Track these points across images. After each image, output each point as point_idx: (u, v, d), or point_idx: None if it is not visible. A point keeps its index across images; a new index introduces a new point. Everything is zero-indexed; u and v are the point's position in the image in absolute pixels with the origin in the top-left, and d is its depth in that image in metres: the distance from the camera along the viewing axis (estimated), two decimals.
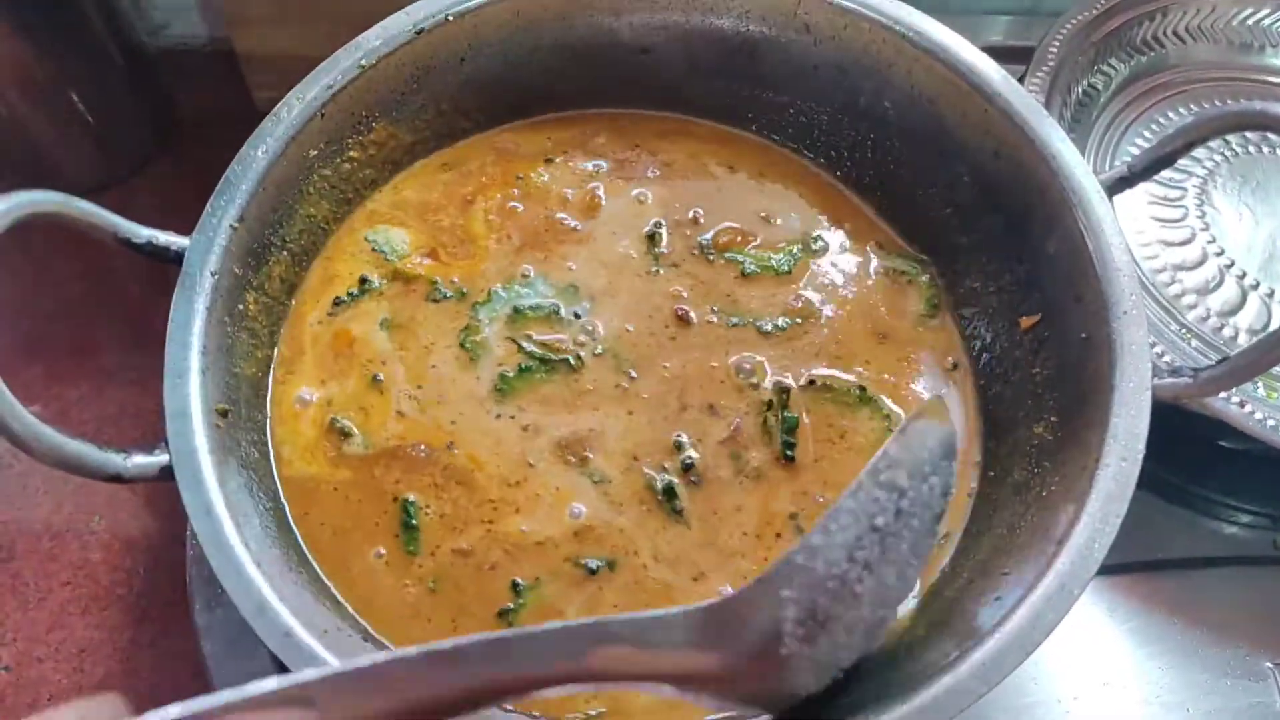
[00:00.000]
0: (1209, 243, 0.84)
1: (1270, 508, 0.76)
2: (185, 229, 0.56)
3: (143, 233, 0.53)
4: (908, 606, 0.56)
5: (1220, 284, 0.81)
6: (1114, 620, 0.70)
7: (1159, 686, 0.68)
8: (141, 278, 0.85)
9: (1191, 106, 0.93)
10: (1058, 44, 0.86)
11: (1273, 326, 0.78)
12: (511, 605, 0.55)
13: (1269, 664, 0.69)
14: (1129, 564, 0.72)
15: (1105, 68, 0.91)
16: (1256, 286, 0.81)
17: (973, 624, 0.49)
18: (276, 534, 0.54)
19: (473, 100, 0.69)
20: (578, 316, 0.64)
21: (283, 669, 0.46)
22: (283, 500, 0.57)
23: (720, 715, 0.52)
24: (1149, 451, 0.50)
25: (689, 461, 0.59)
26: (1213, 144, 0.88)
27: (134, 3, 0.92)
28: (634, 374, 0.62)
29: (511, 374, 0.61)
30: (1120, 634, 0.70)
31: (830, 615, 0.43)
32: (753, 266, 0.67)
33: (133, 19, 0.90)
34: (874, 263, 0.68)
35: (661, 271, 0.67)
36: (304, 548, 0.56)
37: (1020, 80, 0.83)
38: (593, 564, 0.56)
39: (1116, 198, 0.60)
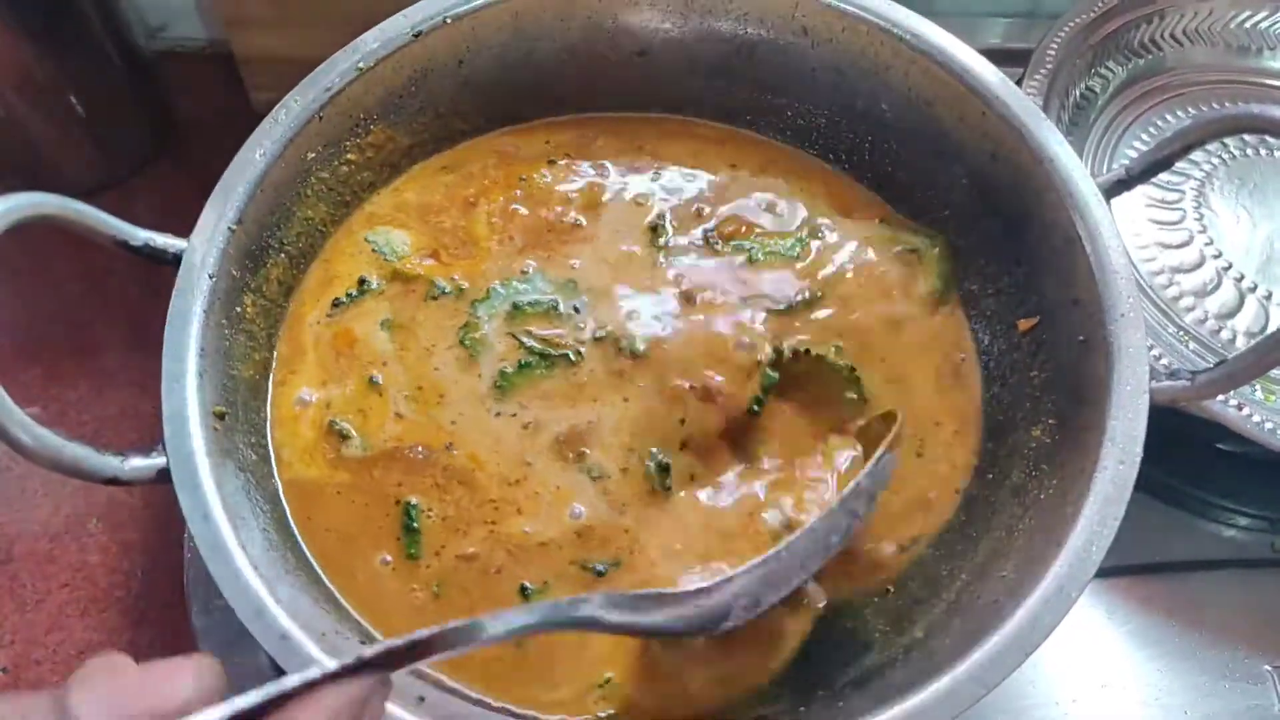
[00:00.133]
0: (1207, 245, 0.84)
1: (1268, 510, 0.76)
2: (184, 231, 0.56)
3: (140, 235, 0.53)
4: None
5: (1218, 286, 0.81)
6: (1112, 623, 0.70)
7: (1157, 689, 0.68)
8: (141, 279, 0.85)
9: (1189, 109, 0.93)
10: (1055, 47, 0.86)
11: (1270, 329, 0.78)
12: None
13: (1268, 667, 0.69)
14: (1127, 566, 0.72)
15: (1103, 70, 0.91)
16: (1254, 289, 0.81)
17: (971, 626, 0.49)
18: (275, 536, 0.53)
19: (471, 103, 0.69)
20: (577, 310, 0.63)
21: (280, 672, 0.46)
22: (283, 503, 0.57)
23: None
24: (1147, 454, 0.50)
25: (685, 441, 0.59)
26: (1210, 147, 0.88)
27: (133, 5, 0.92)
28: (634, 353, 0.61)
29: (511, 370, 0.61)
30: (1119, 636, 0.70)
31: (767, 600, 0.51)
32: (760, 254, 0.66)
33: (131, 21, 0.90)
34: (882, 243, 0.67)
35: (666, 261, 0.66)
36: (308, 553, 0.56)
37: (1018, 83, 0.83)
38: (600, 566, 0.56)
39: (1114, 200, 0.60)
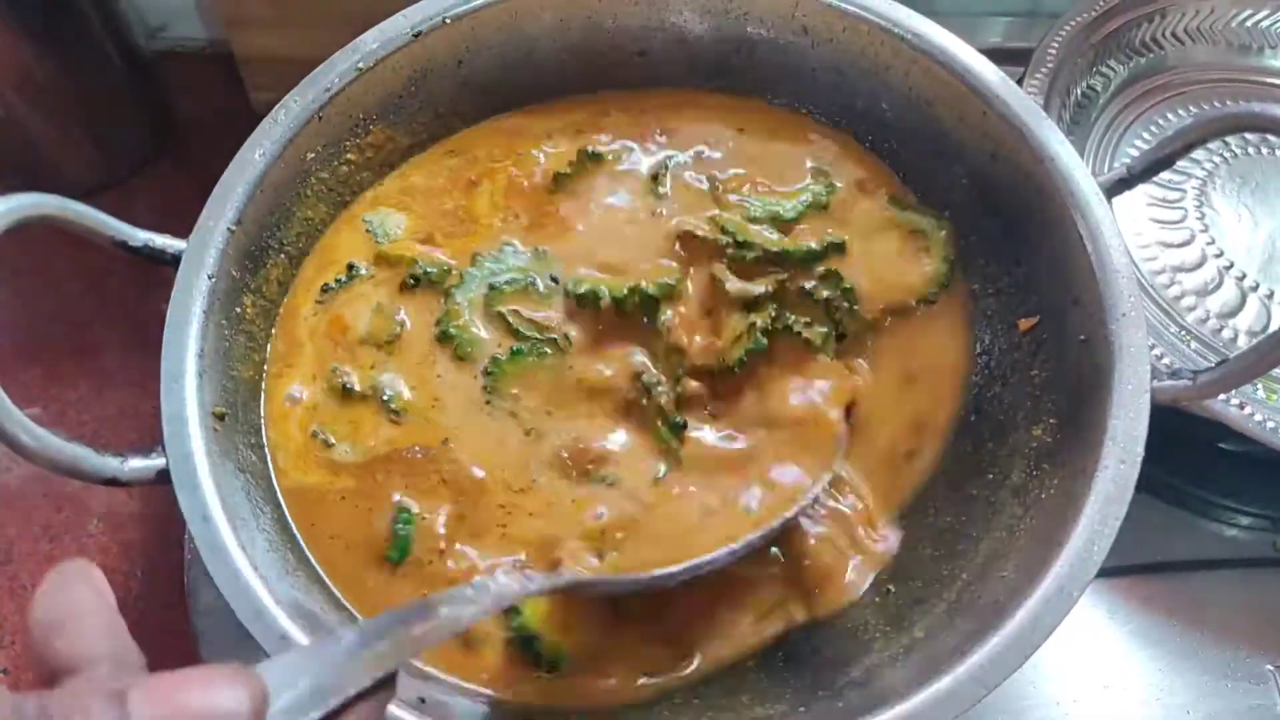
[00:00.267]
0: (1208, 244, 0.83)
1: (1270, 510, 0.76)
2: (184, 231, 0.56)
3: (139, 235, 0.53)
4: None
5: (1219, 286, 0.81)
6: (1114, 623, 0.70)
7: (1159, 689, 0.68)
8: (141, 280, 0.85)
9: (1190, 108, 0.92)
10: (1056, 46, 0.86)
11: (1272, 328, 0.78)
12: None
13: (1269, 666, 0.69)
14: (1128, 566, 0.72)
15: (1104, 69, 0.91)
16: (1256, 288, 0.81)
17: (972, 627, 0.49)
18: (275, 537, 0.53)
19: (470, 103, 0.69)
20: (554, 282, 0.63)
21: None
22: (283, 506, 0.57)
23: None
24: (1148, 454, 0.50)
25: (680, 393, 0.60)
26: (1212, 145, 0.88)
27: (132, 5, 0.92)
28: (618, 302, 0.61)
29: (504, 358, 0.60)
30: (1120, 636, 0.70)
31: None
32: (760, 211, 0.66)
33: (131, 21, 0.90)
34: (888, 223, 0.67)
35: (665, 211, 0.66)
36: (313, 559, 0.55)
37: (1019, 82, 0.83)
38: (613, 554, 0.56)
39: (1115, 199, 0.60)
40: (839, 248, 0.64)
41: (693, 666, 0.55)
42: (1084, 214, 0.57)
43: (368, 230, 0.65)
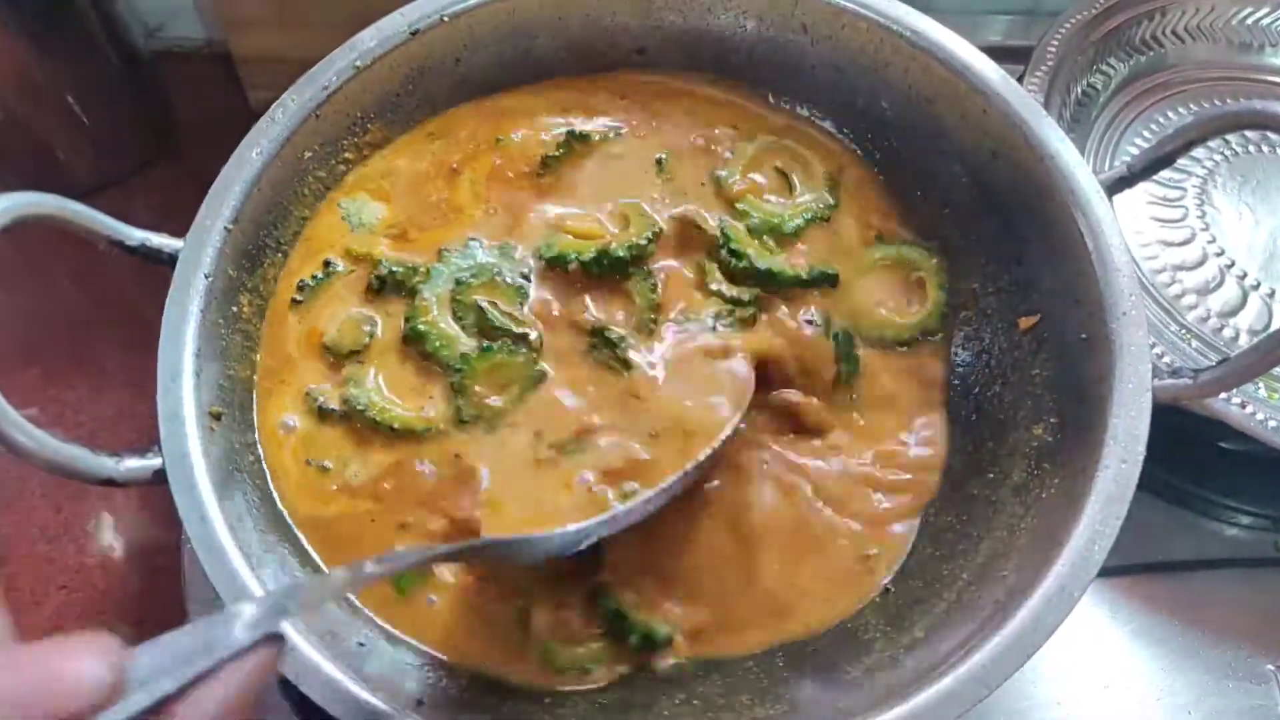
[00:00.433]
0: (1209, 243, 0.83)
1: (1271, 509, 0.75)
2: (182, 231, 0.55)
3: (136, 235, 0.53)
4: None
5: (1220, 284, 0.81)
6: (1115, 622, 0.70)
7: (1160, 688, 0.68)
8: (140, 280, 0.84)
9: (1191, 106, 0.92)
10: (1057, 44, 0.86)
11: (1273, 327, 0.78)
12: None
13: (1271, 666, 0.69)
14: (1129, 566, 0.72)
15: (1104, 67, 0.91)
16: (1257, 287, 0.81)
17: (972, 627, 0.49)
18: (272, 537, 0.53)
19: (468, 101, 0.69)
20: (525, 278, 0.63)
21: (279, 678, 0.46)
22: (302, 539, 0.56)
23: None
24: (1149, 453, 0.50)
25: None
26: (1212, 143, 0.88)
27: (130, 5, 0.91)
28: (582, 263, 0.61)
29: (473, 355, 0.60)
30: (1121, 636, 0.70)
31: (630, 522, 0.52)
32: (759, 221, 0.65)
33: (129, 21, 0.90)
34: (882, 248, 0.67)
35: (664, 199, 0.66)
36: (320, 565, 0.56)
37: (1019, 80, 0.83)
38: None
39: (1116, 198, 0.60)
40: (831, 279, 0.64)
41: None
42: (1084, 212, 0.57)
43: (343, 218, 0.64)
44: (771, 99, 0.71)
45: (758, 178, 0.68)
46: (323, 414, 0.58)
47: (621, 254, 0.62)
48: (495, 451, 0.57)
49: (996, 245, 0.64)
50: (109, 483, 0.49)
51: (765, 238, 0.65)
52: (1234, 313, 0.80)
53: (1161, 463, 0.51)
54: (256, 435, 0.58)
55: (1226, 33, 0.94)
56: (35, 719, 0.29)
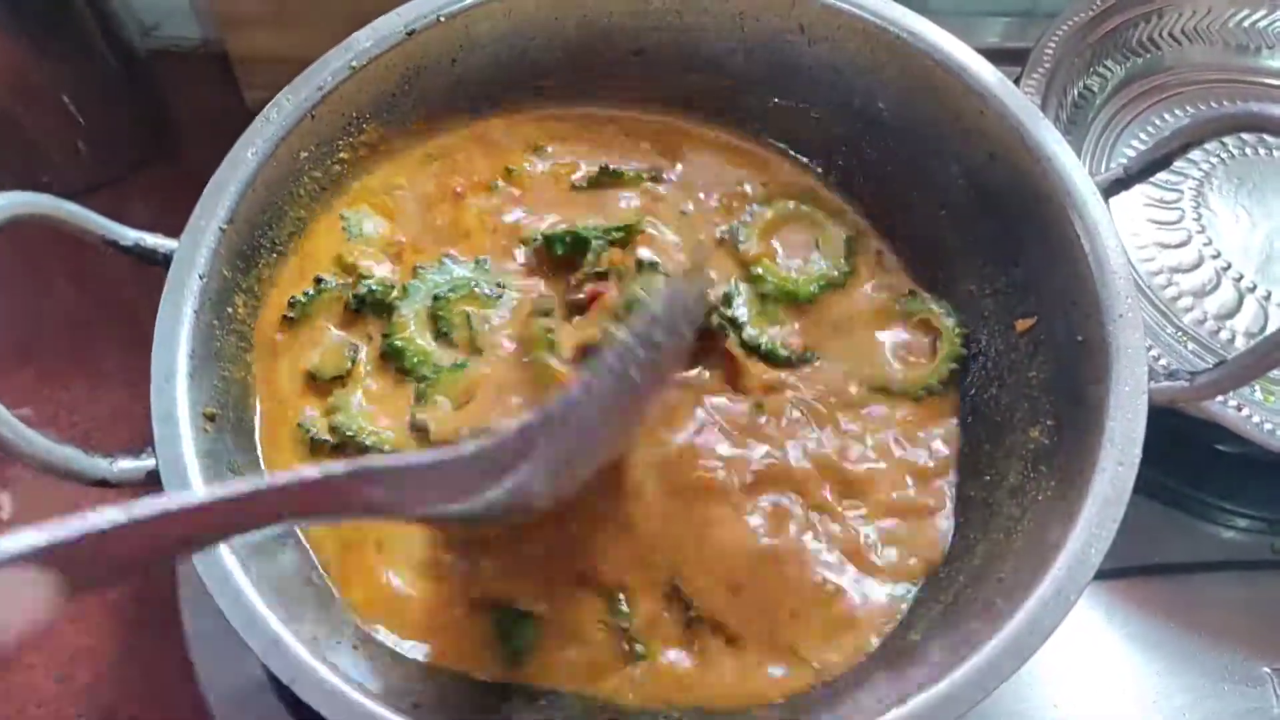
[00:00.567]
0: (1205, 245, 0.83)
1: (1268, 511, 0.75)
2: (178, 231, 0.55)
3: (130, 235, 0.53)
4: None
5: (1217, 287, 0.81)
6: (1111, 625, 0.70)
7: (1156, 691, 0.68)
8: (136, 280, 0.83)
9: (1188, 108, 0.92)
10: (1054, 45, 0.86)
11: (1270, 329, 0.78)
12: None
13: (1267, 669, 0.69)
14: (1126, 569, 0.71)
15: (1101, 69, 0.91)
16: (1253, 289, 0.81)
17: (969, 630, 0.49)
18: (267, 539, 0.53)
19: (465, 102, 0.69)
20: (500, 286, 0.64)
21: (273, 677, 0.46)
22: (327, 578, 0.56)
23: None
24: (1146, 456, 0.50)
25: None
26: (1209, 146, 0.88)
27: (126, 4, 0.91)
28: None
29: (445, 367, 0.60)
30: (1117, 639, 0.69)
31: (577, 456, 0.47)
32: (773, 287, 0.65)
33: (125, 20, 0.89)
34: (898, 312, 0.66)
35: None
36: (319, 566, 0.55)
37: (1016, 82, 0.83)
38: None
39: (1112, 200, 0.59)
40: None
41: None
42: (1081, 214, 0.57)
43: (343, 228, 0.65)
44: (795, 154, 0.72)
45: (775, 243, 0.68)
46: (315, 445, 0.58)
47: (585, 235, 0.63)
48: None
49: (994, 247, 0.64)
50: (103, 484, 0.48)
51: (775, 305, 0.65)
52: (1230, 315, 0.80)
53: (1158, 465, 0.51)
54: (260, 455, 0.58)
55: (1224, 35, 0.94)
56: None
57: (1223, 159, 0.88)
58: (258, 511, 0.37)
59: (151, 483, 0.49)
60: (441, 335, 0.62)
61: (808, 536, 0.57)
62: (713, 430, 0.59)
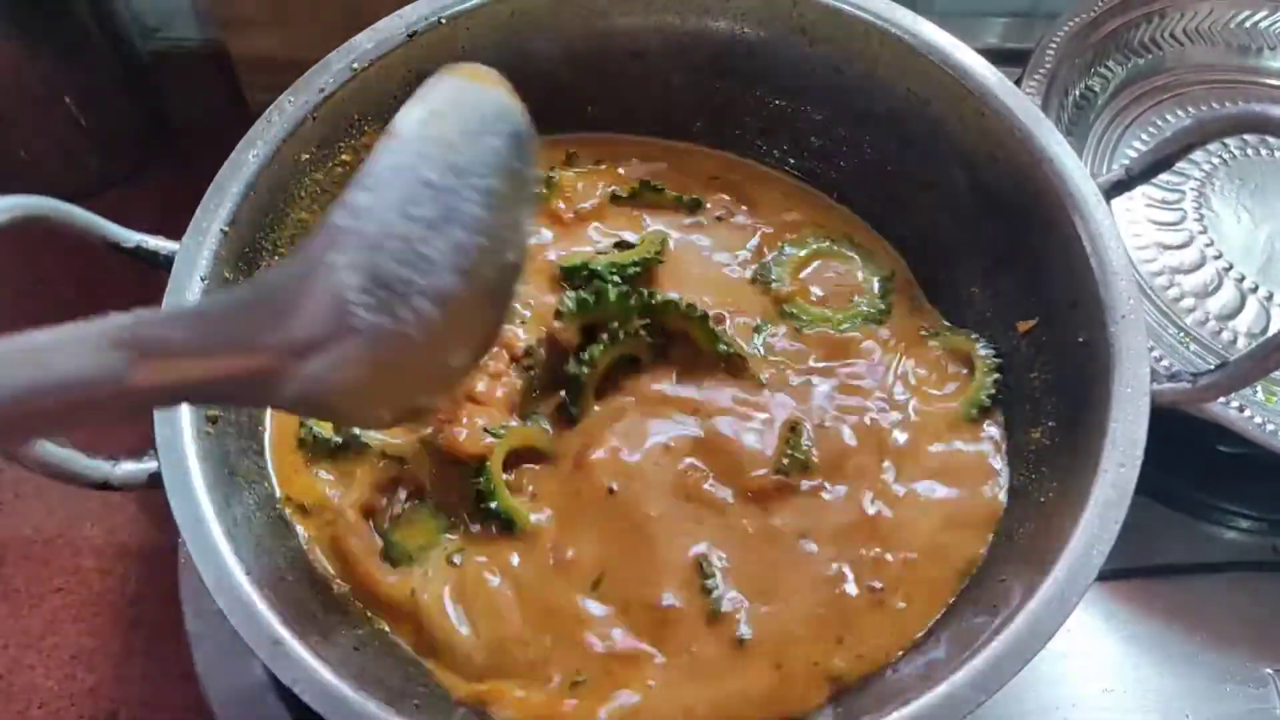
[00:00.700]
0: (1207, 246, 0.83)
1: (1269, 512, 0.75)
2: (180, 233, 0.55)
3: (132, 237, 0.53)
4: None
5: (1219, 287, 0.81)
6: (1113, 627, 0.70)
7: (1158, 693, 0.67)
8: (138, 283, 0.84)
9: (1189, 109, 0.92)
10: (1055, 46, 0.85)
11: (1272, 330, 0.78)
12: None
13: (1269, 669, 0.68)
14: (1128, 570, 0.71)
15: (1103, 70, 0.91)
16: (1255, 290, 0.81)
17: (970, 631, 0.49)
18: (268, 541, 0.53)
19: None
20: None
21: (274, 678, 0.46)
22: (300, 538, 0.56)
23: None
24: (1147, 456, 0.50)
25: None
26: (1211, 147, 0.88)
27: (128, 6, 0.91)
28: None
29: None
30: (1119, 640, 0.69)
31: (401, 279, 0.39)
32: (809, 324, 0.64)
33: (127, 22, 0.90)
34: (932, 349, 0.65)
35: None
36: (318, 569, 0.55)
37: (1017, 83, 0.82)
38: None
39: (1114, 201, 0.59)
40: None
41: None
42: (1083, 215, 0.57)
43: None
44: (767, 97, 0.71)
45: (811, 284, 0.67)
46: (318, 445, 0.58)
47: (598, 268, 0.62)
48: None
49: (995, 248, 0.64)
50: (105, 486, 0.49)
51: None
52: (1232, 316, 0.80)
53: (1159, 466, 0.51)
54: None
55: (1225, 36, 0.94)
56: None
57: (1224, 160, 0.88)
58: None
59: (154, 485, 0.49)
60: None
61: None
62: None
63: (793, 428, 0.59)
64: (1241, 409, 0.69)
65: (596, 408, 0.60)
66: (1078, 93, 0.89)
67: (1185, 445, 0.70)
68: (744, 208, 0.70)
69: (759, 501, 0.57)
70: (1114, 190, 0.59)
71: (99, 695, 0.69)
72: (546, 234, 0.67)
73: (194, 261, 0.54)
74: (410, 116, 0.42)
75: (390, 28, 0.63)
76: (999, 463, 0.59)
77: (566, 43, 0.68)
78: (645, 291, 0.61)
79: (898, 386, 0.62)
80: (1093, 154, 0.89)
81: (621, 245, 0.67)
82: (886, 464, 0.59)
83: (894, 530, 0.56)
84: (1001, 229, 0.63)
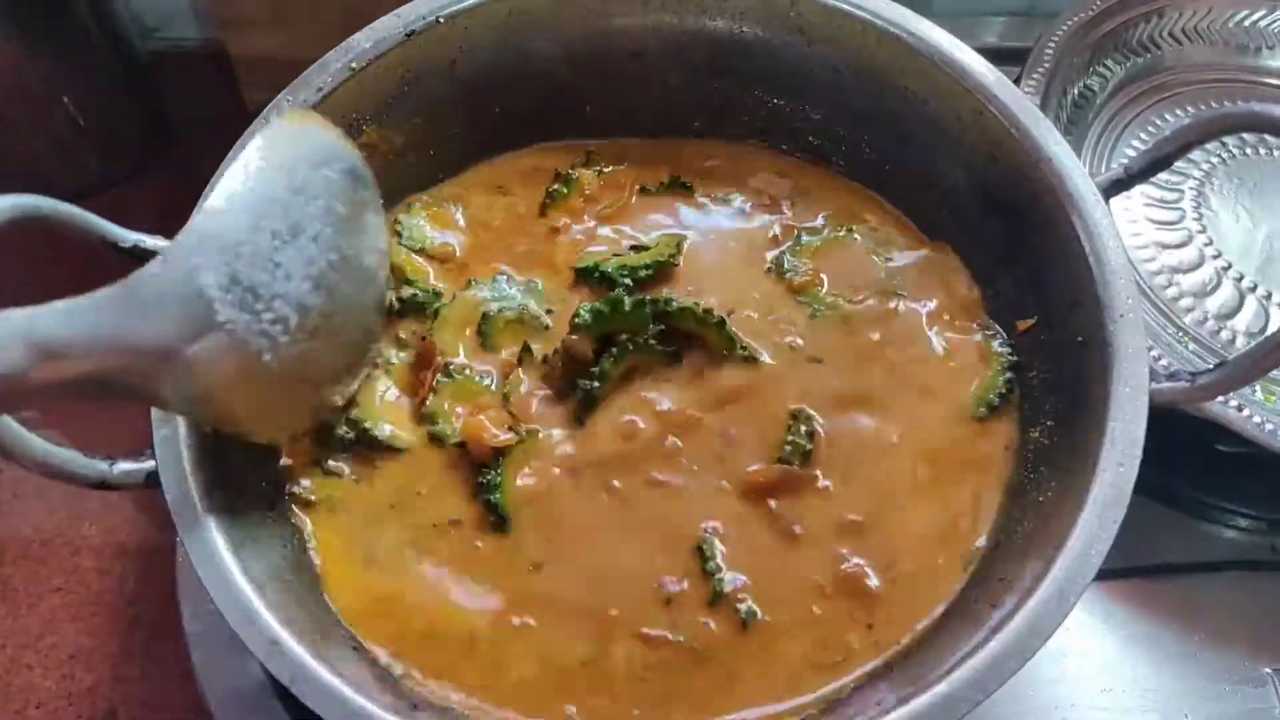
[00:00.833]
0: (1206, 245, 0.83)
1: (1268, 512, 0.75)
2: (178, 232, 0.55)
3: (130, 236, 0.53)
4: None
5: (1217, 286, 0.81)
6: (1111, 626, 0.70)
7: (1157, 693, 0.67)
8: None
9: (1188, 108, 0.92)
10: (1054, 45, 0.86)
11: (1270, 329, 0.78)
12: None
13: (1268, 669, 0.68)
14: (1127, 569, 0.71)
15: (1101, 69, 0.91)
16: (1254, 289, 0.81)
17: (969, 631, 0.48)
18: (265, 541, 0.53)
19: (464, 103, 0.69)
20: (549, 313, 0.64)
21: (273, 678, 0.46)
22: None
23: None
24: (1146, 456, 0.50)
25: None
26: (1209, 146, 0.88)
27: (128, 6, 0.91)
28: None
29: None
30: (1118, 640, 0.69)
31: (260, 282, 0.44)
32: (822, 312, 0.64)
33: (126, 22, 0.90)
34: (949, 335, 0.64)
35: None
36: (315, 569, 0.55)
37: (1016, 82, 0.83)
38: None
39: (1113, 200, 0.59)
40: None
41: None
42: (1081, 214, 0.57)
43: (397, 231, 0.66)
44: (767, 96, 0.71)
45: (824, 272, 0.66)
46: (330, 437, 0.58)
47: (609, 269, 0.63)
48: None
49: (994, 247, 0.64)
50: (103, 486, 0.48)
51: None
52: (1231, 315, 0.80)
53: (1159, 465, 0.51)
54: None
55: (1224, 35, 0.94)
56: None
57: (1223, 159, 0.88)
58: None
59: (152, 484, 0.49)
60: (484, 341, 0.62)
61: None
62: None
63: (795, 416, 0.59)
64: (1240, 408, 0.69)
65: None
66: (1076, 92, 0.89)
67: (1184, 444, 0.70)
68: (769, 199, 0.70)
69: (761, 491, 0.57)
70: (1113, 189, 0.59)
71: (97, 695, 0.69)
72: (564, 235, 0.68)
73: None
74: (252, 145, 0.46)
75: (388, 27, 0.63)
76: (1001, 460, 0.59)
77: (565, 42, 0.68)
78: (661, 299, 0.61)
79: (908, 377, 0.62)
80: (1091, 153, 0.89)
81: (638, 248, 0.67)
82: (890, 456, 0.59)
83: (893, 525, 0.57)
84: (1000, 228, 0.63)
